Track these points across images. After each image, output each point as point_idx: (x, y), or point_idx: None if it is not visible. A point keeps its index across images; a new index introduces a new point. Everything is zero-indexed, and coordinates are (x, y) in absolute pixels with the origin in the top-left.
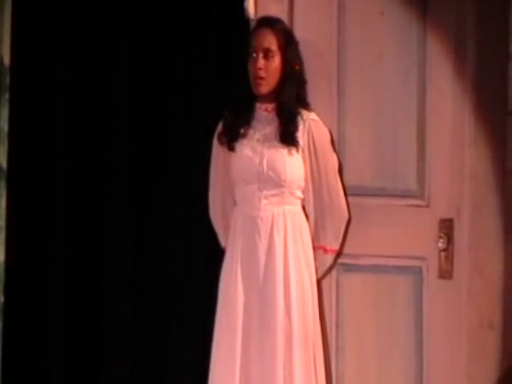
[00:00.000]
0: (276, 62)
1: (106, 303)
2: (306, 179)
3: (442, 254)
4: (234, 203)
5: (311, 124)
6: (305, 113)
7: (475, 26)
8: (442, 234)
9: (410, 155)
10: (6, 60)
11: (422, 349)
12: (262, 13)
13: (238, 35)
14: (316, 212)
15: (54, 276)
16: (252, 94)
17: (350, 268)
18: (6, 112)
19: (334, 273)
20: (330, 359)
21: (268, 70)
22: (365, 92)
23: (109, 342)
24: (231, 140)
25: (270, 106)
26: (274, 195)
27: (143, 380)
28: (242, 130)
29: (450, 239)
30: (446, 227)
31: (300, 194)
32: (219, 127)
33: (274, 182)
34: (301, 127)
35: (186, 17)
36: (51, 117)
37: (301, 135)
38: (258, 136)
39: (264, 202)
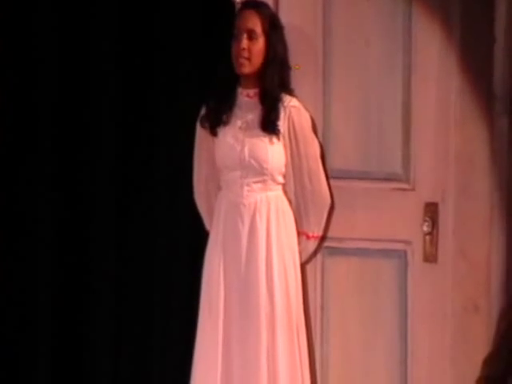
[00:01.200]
0: (260, 44)
1: (91, 289)
2: (286, 166)
3: (427, 237)
4: (219, 187)
5: (292, 111)
6: (286, 99)
7: (461, 9)
8: (427, 218)
9: (395, 139)
10: None
11: (406, 332)
12: None
13: (223, 18)
14: (298, 199)
15: (40, 258)
16: (234, 79)
17: (334, 251)
18: None
19: (318, 256)
20: (313, 343)
21: (251, 51)
22: (350, 76)
23: (95, 330)
24: (213, 125)
25: (252, 92)
26: (256, 182)
27: (128, 367)
28: (224, 117)
29: (434, 223)
30: (431, 211)
31: (281, 180)
32: (202, 111)
33: (256, 170)
34: (282, 114)
35: None
36: (35, 102)
37: (281, 122)
38: (239, 123)
39: (246, 188)
